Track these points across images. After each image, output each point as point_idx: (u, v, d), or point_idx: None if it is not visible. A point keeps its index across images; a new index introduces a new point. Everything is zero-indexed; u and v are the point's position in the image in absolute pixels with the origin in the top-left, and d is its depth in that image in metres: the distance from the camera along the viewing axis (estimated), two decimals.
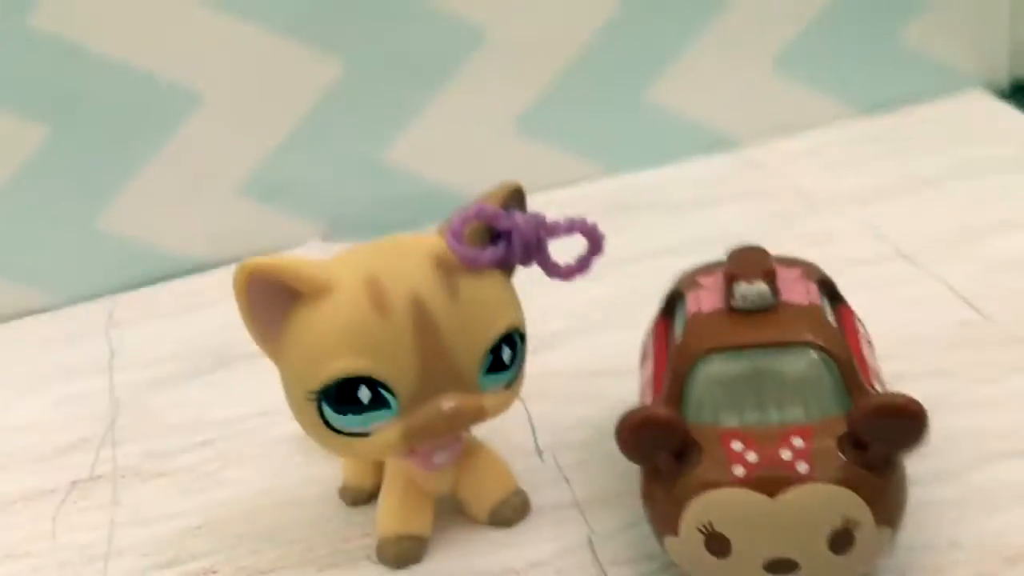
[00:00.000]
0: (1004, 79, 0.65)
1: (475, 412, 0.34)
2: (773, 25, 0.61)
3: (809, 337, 0.33)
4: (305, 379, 0.33)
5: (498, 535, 0.37)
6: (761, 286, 0.33)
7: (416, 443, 0.34)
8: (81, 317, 0.56)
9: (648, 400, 0.35)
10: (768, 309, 0.33)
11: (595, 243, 0.36)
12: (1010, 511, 0.35)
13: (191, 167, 0.57)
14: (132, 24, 0.54)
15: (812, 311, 0.34)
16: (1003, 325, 0.44)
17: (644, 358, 0.38)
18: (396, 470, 0.37)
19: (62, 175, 0.55)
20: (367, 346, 0.32)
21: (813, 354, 0.32)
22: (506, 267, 0.35)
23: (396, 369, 0.33)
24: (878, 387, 0.33)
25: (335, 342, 0.32)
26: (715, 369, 0.33)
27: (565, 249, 0.35)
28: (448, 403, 0.33)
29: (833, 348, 0.32)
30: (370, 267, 0.33)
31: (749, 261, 0.34)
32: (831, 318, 0.35)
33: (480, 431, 0.42)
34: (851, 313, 0.37)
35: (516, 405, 0.44)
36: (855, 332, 0.36)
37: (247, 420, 0.45)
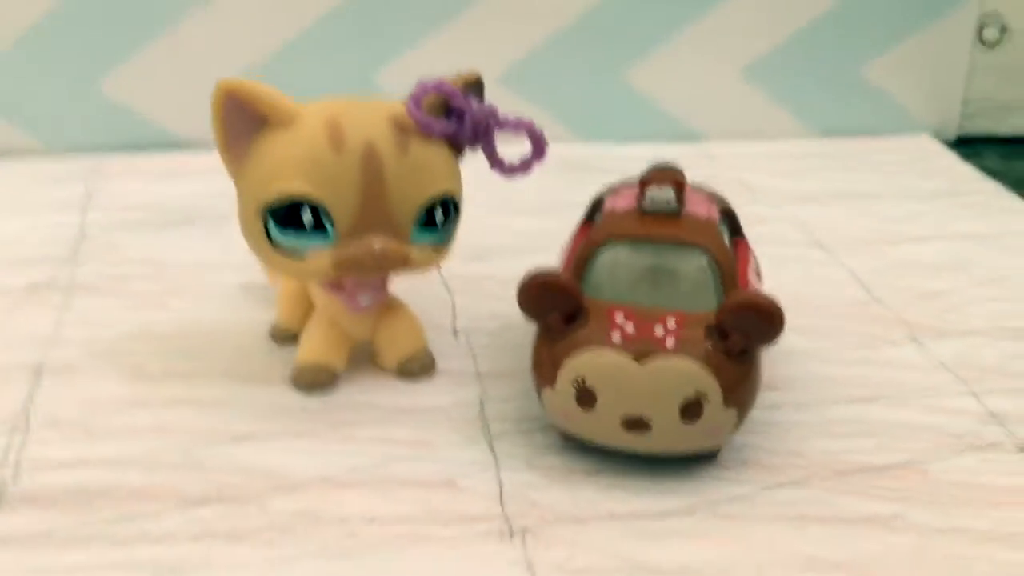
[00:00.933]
0: (952, 131, 0.71)
1: (401, 258, 0.38)
2: (749, 37, 0.67)
3: (701, 241, 0.37)
4: (258, 195, 0.37)
5: (402, 385, 0.42)
6: (668, 192, 0.38)
7: (344, 273, 0.38)
8: (70, 164, 0.60)
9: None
10: (672, 214, 0.38)
11: (539, 147, 0.41)
12: (850, 439, 0.39)
13: (194, 52, 0.61)
14: None
15: (709, 224, 0.38)
16: (888, 307, 0.49)
17: (563, 252, 0.42)
18: (323, 309, 0.41)
19: (72, 38, 0.59)
20: (317, 175, 0.37)
21: (701, 256, 0.37)
22: (456, 144, 0.40)
23: (339, 201, 0.37)
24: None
25: (290, 167, 0.37)
26: (615, 255, 0.37)
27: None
28: (379, 243, 0.38)
29: (719, 254, 0.37)
30: (335, 111, 0.38)
31: (663, 172, 0.39)
32: (727, 240, 0.40)
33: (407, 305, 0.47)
34: (746, 246, 0.42)
35: (443, 294, 0.49)
36: (746, 260, 0.40)
37: (201, 268, 0.49)
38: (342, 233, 0.37)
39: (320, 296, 0.41)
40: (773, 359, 0.43)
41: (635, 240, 0.37)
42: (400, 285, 0.43)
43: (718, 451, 0.37)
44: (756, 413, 0.39)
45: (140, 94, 0.62)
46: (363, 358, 0.42)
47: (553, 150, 0.69)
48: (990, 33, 0.69)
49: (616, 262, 0.37)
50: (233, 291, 0.47)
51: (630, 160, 0.67)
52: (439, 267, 0.40)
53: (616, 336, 0.35)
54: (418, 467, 0.37)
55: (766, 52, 0.67)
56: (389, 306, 0.42)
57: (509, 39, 0.64)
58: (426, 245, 0.39)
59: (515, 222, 0.56)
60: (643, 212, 0.38)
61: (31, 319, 0.45)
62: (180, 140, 0.62)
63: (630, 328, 0.35)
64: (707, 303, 0.36)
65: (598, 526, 0.34)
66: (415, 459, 0.37)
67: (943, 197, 0.61)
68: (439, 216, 0.39)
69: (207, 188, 0.56)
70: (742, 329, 0.35)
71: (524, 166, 0.41)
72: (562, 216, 0.47)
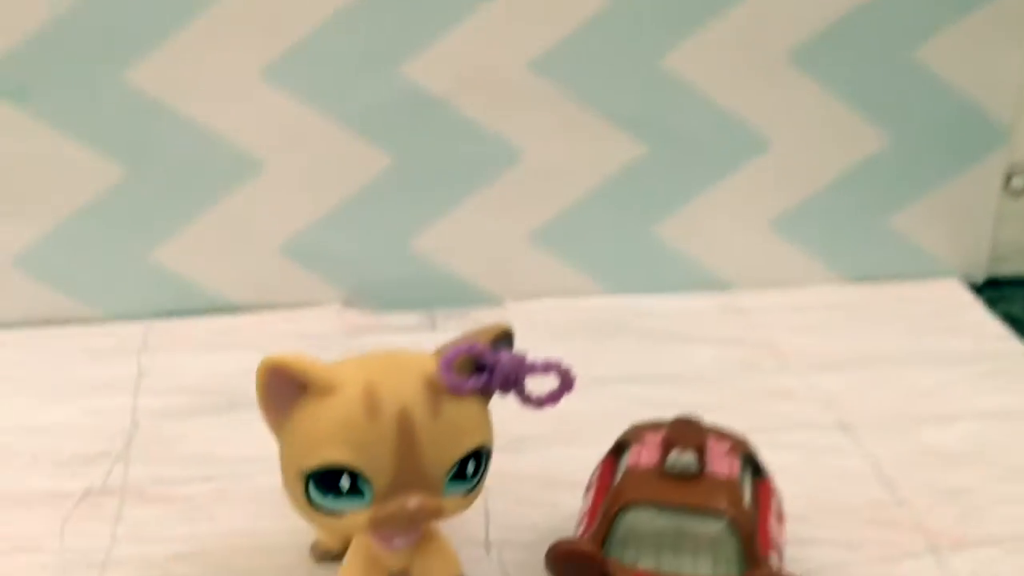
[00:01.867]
0: (980, 274, 0.71)
1: (435, 512, 0.40)
2: (777, 190, 0.68)
3: (722, 507, 0.39)
4: (299, 460, 0.39)
5: None
6: (690, 456, 0.40)
7: (380, 530, 0.40)
8: (119, 334, 0.63)
9: (582, 528, 0.41)
10: (694, 476, 0.40)
11: (566, 382, 0.43)
12: None
13: (242, 222, 0.64)
14: (214, 90, 0.61)
15: (730, 485, 0.40)
16: (910, 510, 0.50)
17: (588, 488, 0.44)
18: (361, 541, 0.43)
19: (129, 211, 0.62)
20: (355, 443, 0.39)
21: (723, 521, 0.39)
22: (485, 394, 0.42)
23: (375, 466, 0.39)
24: (774, 558, 0.39)
25: (329, 435, 0.39)
26: (639, 518, 0.39)
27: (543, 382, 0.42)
28: (413, 501, 0.39)
29: (740, 520, 0.39)
30: (370, 376, 0.40)
31: (686, 432, 0.41)
32: (748, 491, 0.41)
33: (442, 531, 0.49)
34: (769, 488, 0.43)
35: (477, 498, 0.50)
36: (767, 506, 0.42)
37: (246, 463, 0.51)
38: (378, 494, 0.39)
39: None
40: None
41: (656, 504, 0.39)
42: None
43: None
44: None
45: (190, 261, 0.64)
46: None
47: (585, 304, 0.72)
48: (1018, 182, 0.69)
49: (638, 524, 0.39)
50: (276, 494, 0.49)
51: (658, 317, 0.69)
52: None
53: None
54: None
55: (795, 202, 0.68)
56: (424, 535, 0.44)
57: (539, 201, 0.66)
58: (458, 494, 0.41)
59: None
60: (664, 473, 0.40)
61: (85, 535, 0.47)
62: (227, 303, 0.65)
63: None
64: (729, 567, 0.38)
65: None
66: None
67: (969, 362, 0.62)
68: (471, 468, 0.41)
69: (249, 361, 0.58)
70: None
71: (552, 399, 0.43)
72: (590, 393, 0.48)
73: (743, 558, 0.38)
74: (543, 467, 0.52)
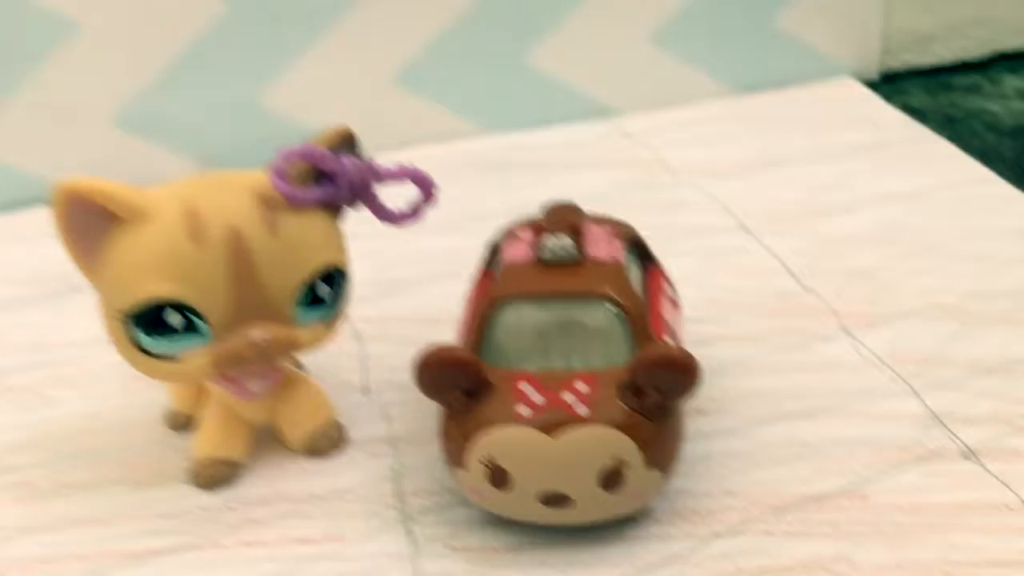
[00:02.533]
0: (874, 69, 0.68)
1: (286, 343, 0.35)
2: (654, 1, 0.63)
3: (605, 291, 0.35)
4: (117, 301, 0.34)
5: (310, 464, 0.39)
6: (566, 240, 0.35)
7: (225, 370, 0.35)
8: None
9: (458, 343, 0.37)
10: (572, 262, 0.35)
11: (427, 191, 0.38)
12: (785, 465, 0.37)
13: (63, 94, 0.57)
14: None
15: (613, 267, 0.36)
16: (819, 297, 0.46)
17: (465, 305, 0.39)
18: (216, 398, 0.38)
19: None
20: (179, 272, 0.33)
21: (608, 307, 0.34)
22: (332, 207, 0.36)
23: (207, 297, 0.34)
24: (669, 342, 0.35)
25: (147, 266, 0.33)
26: (515, 316, 0.35)
27: (402, 197, 0.37)
28: (258, 333, 0.34)
29: (627, 303, 0.34)
30: (189, 197, 0.34)
31: (559, 217, 0.36)
32: (636, 275, 0.37)
33: (313, 366, 0.44)
34: (659, 274, 0.39)
35: (352, 344, 0.46)
36: (659, 291, 0.38)
37: (87, 346, 0.46)
38: (217, 329, 0.34)
39: (214, 386, 0.38)
40: (702, 376, 0.41)
41: (535, 297, 0.35)
42: None
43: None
44: (686, 447, 0.37)
45: (11, 146, 0.57)
46: (270, 438, 0.40)
47: (461, 148, 0.67)
48: None
49: (517, 322, 0.35)
50: (122, 371, 0.44)
51: (542, 149, 0.64)
52: (333, 340, 0.37)
53: (523, 409, 0.33)
54: (331, 568, 0.34)
55: (672, 13, 0.63)
56: (287, 380, 0.39)
57: (398, 37, 0.60)
58: (314, 322, 0.36)
59: (426, 243, 0.52)
60: (541, 263, 0.36)
61: None
62: None
63: (538, 398, 0.33)
64: (619, 357, 0.34)
65: None
66: (327, 557, 0.35)
67: (869, 151, 0.59)
68: (323, 291, 0.36)
69: None
70: (656, 386, 0.33)
71: (415, 213, 0.38)
72: (471, 228, 0.44)
73: (632, 344, 0.34)
74: (420, 306, 0.48)
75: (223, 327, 0.34)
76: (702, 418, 0.39)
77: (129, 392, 0.43)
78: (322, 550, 0.35)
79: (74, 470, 0.39)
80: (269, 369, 0.37)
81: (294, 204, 0.35)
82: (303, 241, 0.35)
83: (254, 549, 0.35)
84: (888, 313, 0.45)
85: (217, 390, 0.38)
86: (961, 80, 0.68)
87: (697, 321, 0.44)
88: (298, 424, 0.39)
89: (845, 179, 0.56)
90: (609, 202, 0.42)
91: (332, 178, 0.36)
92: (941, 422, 0.39)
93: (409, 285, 0.49)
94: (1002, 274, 0.47)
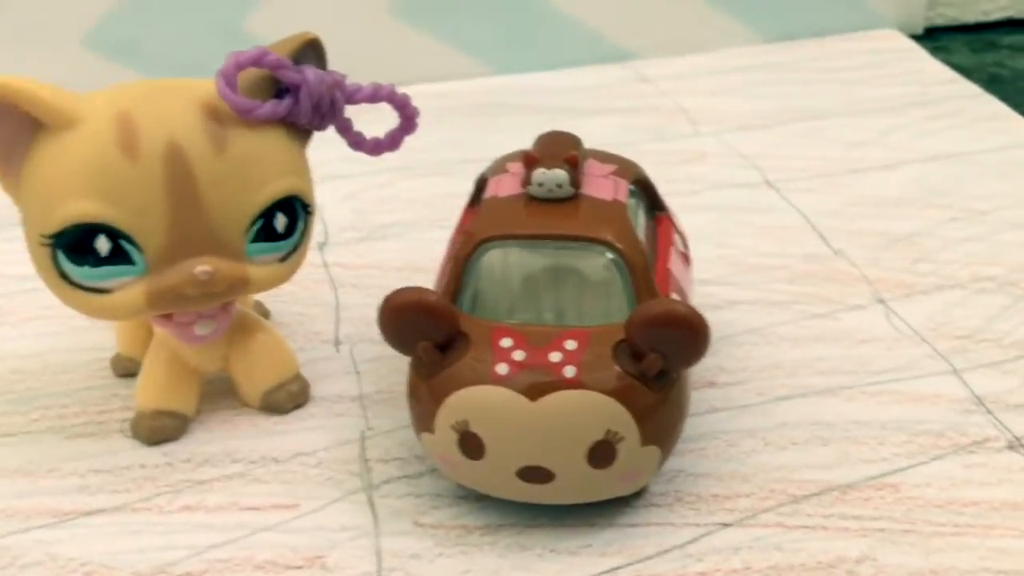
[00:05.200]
0: (919, 23, 0.62)
1: (235, 281, 0.31)
2: None
3: (603, 235, 0.30)
4: (39, 221, 0.29)
5: (268, 421, 0.34)
6: (560, 173, 0.30)
7: (162, 307, 0.30)
8: None
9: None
10: (565, 199, 0.30)
11: (406, 116, 0.33)
12: (805, 449, 0.32)
13: (28, 17, 0.52)
14: None
15: (614, 208, 0.31)
16: (851, 262, 0.41)
17: (447, 247, 0.35)
18: (161, 341, 0.34)
19: None
20: (109, 190, 0.29)
21: (605, 253, 0.30)
22: (295, 127, 0.32)
23: (141, 220, 0.29)
24: (675, 298, 0.31)
25: (73, 182, 0.29)
26: (498, 259, 0.30)
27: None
28: (202, 267, 0.30)
29: (627, 250, 0.30)
30: (125, 103, 0.29)
31: (555, 148, 0.31)
32: (642, 221, 0.32)
33: (279, 313, 0.39)
34: (670, 223, 0.34)
35: (326, 291, 0.41)
36: (667, 242, 0.33)
37: (21, 280, 0.41)
38: (153, 260, 0.30)
39: (157, 329, 0.34)
40: (714, 344, 0.36)
41: (521, 238, 0.30)
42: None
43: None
44: (691, 421, 0.32)
45: None
46: (223, 390, 0.35)
47: (466, 87, 0.62)
48: None
49: (500, 267, 0.30)
50: (69, 310, 0.40)
51: (552, 92, 0.59)
52: (289, 281, 0.33)
53: (502, 367, 0.28)
54: (280, 541, 0.30)
55: None
56: (243, 325, 0.34)
57: None
58: (269, 259, 0.31)
59: (418, 187, 0.48)
60: (530, 199, 0.31)
61: None
62: None
63: (519, 355, 0.28)
64: (615, 313, 0.29)
65: None
66: (277, 529, 0.30)
67: (912, 107, 0.53)
68: (280, 223, 0.31)
69: None
70: (658, 347, 0.28)
71: (392, 141, 0.33)
72: (468, 172, 0.39)
73: (632, 298, 0.29)
74: (405, 255, 0.43)
75: (160, 258, 0.30)
76: (712, 391, 0.35)
77: (75, 333, 0.38)
78: (271, 519, 0.31)
79: (5, 416, 0.35)
80: (217, 310, 0.32)
81: (245, 118, 0.30)
82: (257, 163, 0.30)
83: (195, 514, 0.31)
84: (928, 283, 0.40)
85: (161, 332, 0.33)
86: (1008, 38, 0.63)
87: (711, 283, 0.40)
88: (254, 376, 0.34)
89: (884, 136, 0.51)
90: (621, 150, 0.37)
91: (294, 92, 0.31)
92: (984, 407, 0.34)
93: (394, 231, 0.45)
94: None
